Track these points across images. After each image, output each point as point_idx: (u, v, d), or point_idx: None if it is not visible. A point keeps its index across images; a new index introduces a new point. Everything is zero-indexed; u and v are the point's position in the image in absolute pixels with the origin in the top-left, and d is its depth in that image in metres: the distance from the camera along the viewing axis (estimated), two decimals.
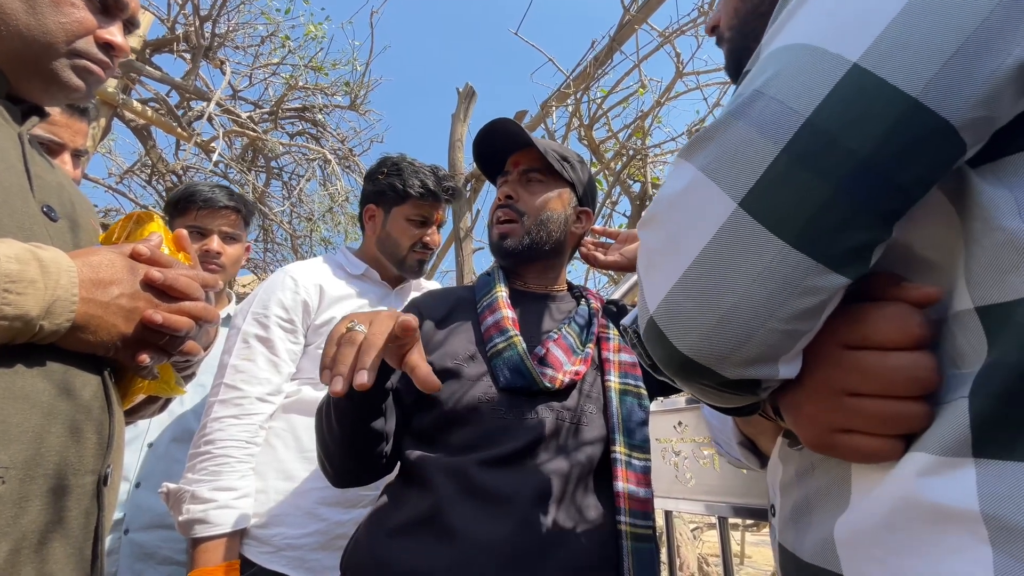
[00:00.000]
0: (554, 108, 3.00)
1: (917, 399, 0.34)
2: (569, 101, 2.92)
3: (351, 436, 0.75)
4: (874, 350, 0.35)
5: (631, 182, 3.33)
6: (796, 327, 0.34)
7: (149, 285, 0.59)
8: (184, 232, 0.74)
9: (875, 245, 0.33)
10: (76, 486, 0.53)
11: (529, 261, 0.98)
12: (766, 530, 7.87)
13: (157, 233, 0.70)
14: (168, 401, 0.80)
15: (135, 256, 0.60)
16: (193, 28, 3.35)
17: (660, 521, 1.06)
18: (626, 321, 0.52)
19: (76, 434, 0.54)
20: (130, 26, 0.71)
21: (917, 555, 0.31)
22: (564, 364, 0.85)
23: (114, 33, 0.67)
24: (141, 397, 0.69)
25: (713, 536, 6.76)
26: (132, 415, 0.74)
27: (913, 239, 0.37)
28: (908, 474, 0.32)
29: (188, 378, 0.76)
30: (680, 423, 1.15)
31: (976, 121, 0.31)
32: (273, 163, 4.43)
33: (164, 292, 0.60)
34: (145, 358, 0.58)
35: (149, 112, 3.46)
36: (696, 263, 0.35)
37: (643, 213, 0.43)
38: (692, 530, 5.08)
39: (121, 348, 0.57)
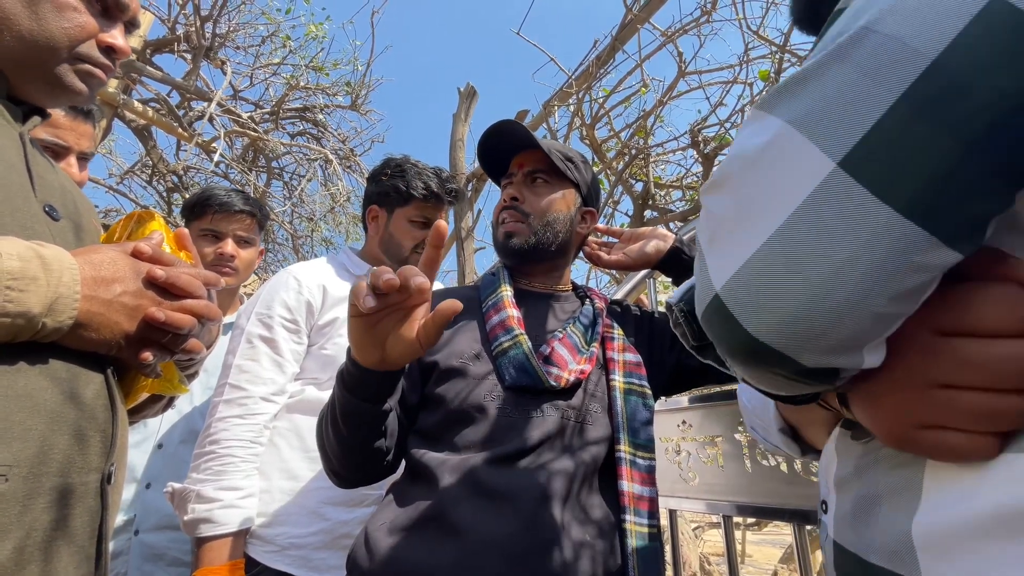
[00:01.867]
0: (556, 108, 2.99)
1: (1020, 392, 0.29)
2: (571, 100, 2.91)
3: (355, 439, 0.74)
4: (976, 337, 0.30)
5: (633, 181, 3.32)
6: (895, 310, 0.29)
7: (151, 283, 0.58)
8: (186, 231, 0.74)
9: (997, 215, 0.28)
10: (80, 485, 0.53)
11: (535, 261, 0.98)
12: (767, 529, 7.86)
13: (158, 232, 0.70)
14: (172, 400, 0.80)
15: (137, 254, 0.59)
16: (194, 28, 3.35)
17: (664, 520, 1.06)
18: (672, 298, 0.47)
19: (80, 433, 0.53)
20: (131, 27, 0.71)
21: (1017, 569, 0.27)
22: (569, 363, 0.85)
23: (116, 36, 0.67)
24: (144, 396, 0.69)
25: (714, 535, 6.75)
26: (136, 414, 0.73)
27: (1021, 207, 0.31)
28: (1016, 478, 0.28)
29: (191, 376, 0.76)
30: (684, 422, 1.14)
31: None
32: (274, 163, 4.43)
33: (166, 290, 0.60)
34: (148, 356, 0.58)
35: (150, 112, 3.46)
36: (780, 233, 0.30)
37: (710, 175, 0.38)
38: (694, 529, 5.08)
39: (124, 346, 0.57)
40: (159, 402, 0.77)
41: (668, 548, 1.13)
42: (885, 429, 0.35)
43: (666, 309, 0.51)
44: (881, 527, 0.35)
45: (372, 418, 0.73)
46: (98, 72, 0.66)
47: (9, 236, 0.50)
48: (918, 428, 0.32)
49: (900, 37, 0.28)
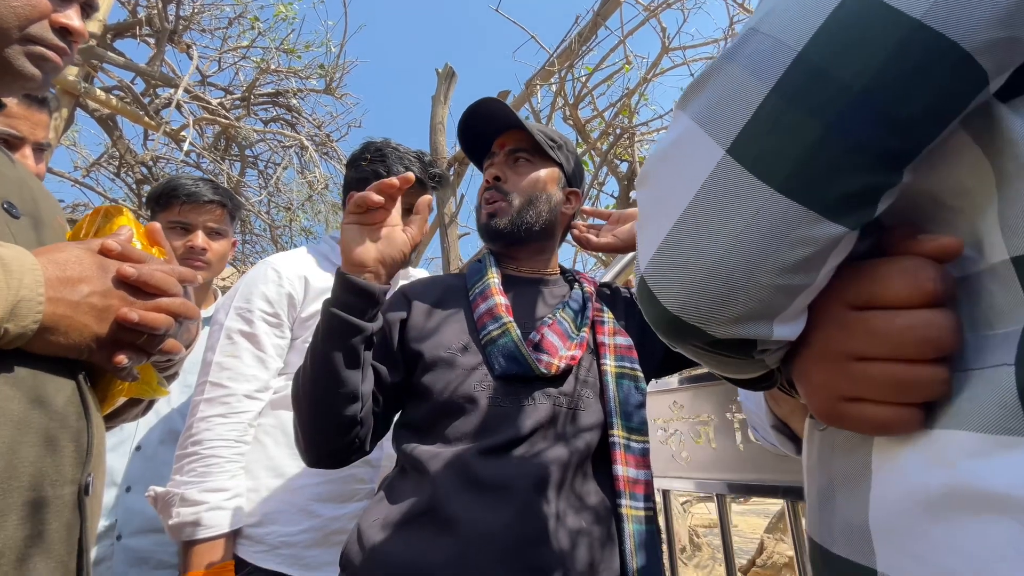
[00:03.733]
0: (538, 87, 2.94)
1: (932, 363, 0.31)
2: (553, 80, 2.87)
3: (325, 381, 0.73)
4: (882, 309, 0.32)
5: (618, 162, 3.30)
6: (789, 281, 0.31)
7: (122, 282, 0.55)
8: (158, 225, 0.70)
9: (880, 191, 0.30)
10: (55, 498, 0.50)
11: (520, 243, 0.96)
12: (753, 500, 8.09)
13: (127, 227, 0.66)
14: (152, 403, 0.77)
15: (105, 252, 0.56)
16: (156, 10, 3.20)
17: (658, 499, 1.06)
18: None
19: (51, 444, 0.50)
20: (88, 9, 0.66)
21: (964, 553, 0.27)
22: (559, 349, 0.84)
23: (71, 16, 0.62)
24: (122, 400, 0.66)
25: (701, 508, 6.93)
26: (114, 419, 0.71)
27: (936, 186, 0.34)
28: (952, 456, 0.29)
29: (171, 378, 0.73)
30: (675, 402, 1.15)
31: (995, 43, 0.27)
32: (248, 151, 4.31)
33: (139, 288, 0.57)
34: (123, 359, 0.55)
35: (113, 101, 3.32)
36: (683, 216, 0.33)
37: (639, 171, 0.42)
38: (682, 503, 5.20)
39: (96, 349, 0.54)
40: (138, 405, 0.74)
41: (662, 525, 1.15)
42: (815, 404, 0.36)
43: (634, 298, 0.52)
44: (838, 515, 0.36)
45: (353, 338, 0.73)
46: (52, 55, 0.61)
47: None
48: (841, 401, 0.34)
49: (774, 34, 0.32)
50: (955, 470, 0.28)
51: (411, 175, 0.74)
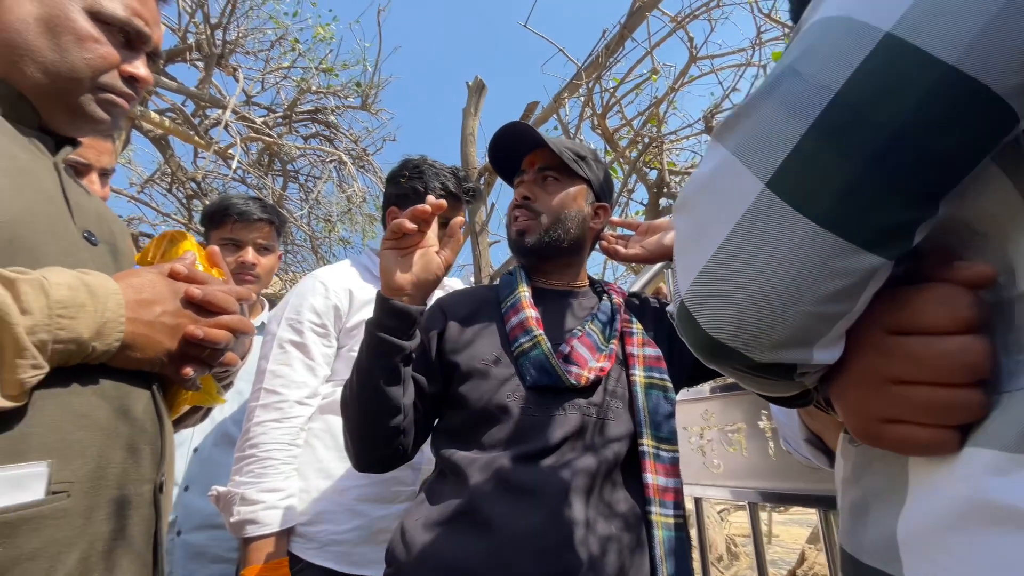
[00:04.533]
0: (567, 99, 2.97)
1: (969, 386, 0.32)
2: (581, 91, 2.89)
3: (370, 395, 0.79)
4: (921, 335, 0.33)
5: (647, 170, 3.29)
6: (829, 310, 0.32)
7: (189, 302, 0.61)
8: (217, 249, 0.77)
9: (916, 224, 0.31)
10: (135, 495, 0.56)
11: (549, 258, 0.99)
12: (793, 509, 7.81)
13: (191, 251, 0.72)
14: (210, 409, 0.83)
15: (173, 275, 0.62)
16: (204, 36, 3.39)
17: (689, 506, 1.07)
18: (670, 308, 0.52)
19: (133, 447, 0.57)
20: (154, 57, 0.72)
21: (985, 566, 0.28)
22: (589, 361, 0.86)
23: (138, 67, 0.68)
24: (186, 407, 0.73)
25: (740, 517, 6.74)
26: (178, 424, 0.77)
27: (967, 214, 0.35)
28: (975, 472, 0.30)
29: (227, 387, 0.79)
30: (707, 411, 1.15)
31: None
32: (289, 166, 4.49)
33: (203, 308, 0.62)
34: (189, 371, 0.61)
35: (166, 122, 3.53)
36: (724, 245, 0.34)
37: (678, 196, 0.44)
38: (719, 512, 5.07)
39: (167, 363, 0.60)
40: (199, 412, 0.80)
41: (694, 533, 1.15)
42: (854, 425, 0.37)
43: (669, 317, 0.54)
44: (871, 528, 0.37)
45: (394, 357, 0.78)
46: (120, 101, 0.67)
47: (55, 266, 0.53)
48: (880, 422, 0.35)
49: (812, 75, 0.33)
50: (979, 486, 0.30)
51: (443, 202, 0.79)
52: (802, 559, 4.12)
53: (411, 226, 0.78)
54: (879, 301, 0.34)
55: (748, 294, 0.33)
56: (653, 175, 3.26)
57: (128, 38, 0.67)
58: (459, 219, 0.87)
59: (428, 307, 1.00)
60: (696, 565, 0.85)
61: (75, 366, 0.53)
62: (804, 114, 0.32)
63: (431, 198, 0.82)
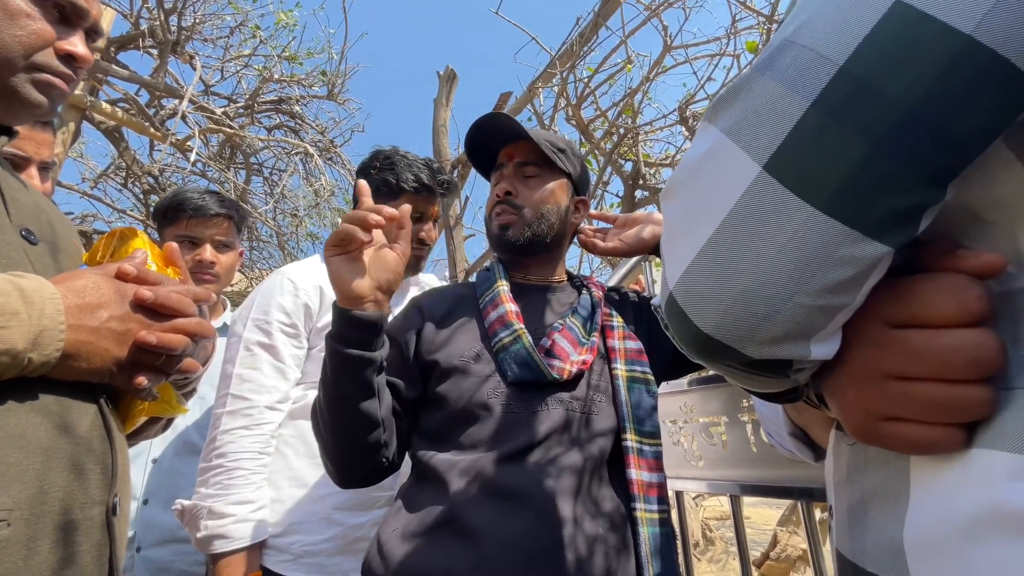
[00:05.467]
0: (540, 89, 2.93)
1: (976, 382, 0.30)
2: (555, 80, 2.86)
3: (344, 415, 0.74)
4: (924, 328, 0.31)
5: (622, 161, 3.29)
6: (829, 302, 0.30)
7: (139, 305, 0.56)
8: (174, 246, 0.71)
9: (923, 209, 0.29)
10: (84, 520, 0.51)
11: (530, 254, 0.96)
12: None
13: (142, 249, 0.67)
14: (171, 420, 0.78)
15: (121, 276, 0.57)
16: (158, 22, 3.22)
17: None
18: (656, 301, 0.50)
19: (78, 467, 0.52)
20: (93, 35, 0.66)
21: (1002, 575, 0.27)
22: (571, 354, 0.85)
23: (75, 43, 0.62)
24: (143, 419, 0.67)
25: (713, 501, 6.91)
26: (135, 437, 0.72)
27: (973, 201, 0.33)
28: (992, 477, 0.28)
29: (188, 395, 0.74)
30: (686, 404, 1.15)
31: None
32: (252, 159, 4.33)
33: (155, 311, 0.58)
34: (142, 380, 0.56)
35: (119, 113, 3.35)
36: (717, 233, 0.32)
37: (667, 182, 0.41)
38: (694, 498, 5.19)
39: (116, 373, 0.55)
40: (158, 423, 0.75)
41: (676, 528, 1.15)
42: (851, 423, 0.35)
43: (655, 311, 0.52)
44: (872, 532, 0.35)
45: (365, 371, 0.72)
46: (58, 82, 0.62)
47: None
48: (879, 420, 0.33)
49: (813, 47, 0.30)
50: (995, 491, 0.28)
51: (396, 212, 0.73)
52: (775, 541, 4.25)
53: (364, 236, 0.72)
54: (878, 292, 0.32)
55: (742, 286, 0.31)
56: (628, 167, 3.26)
57: (63, 13, 0.62)
58: (406, 207, 0.80)
59: (404, 306, 0.96)
60: (679, 559, 0.84)
61: (9, 380, 0.48)
62: (806, 89, 0.30)
63: (405, 207, 0.77)
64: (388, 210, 0.72)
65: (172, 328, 0.58)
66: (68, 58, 0.62)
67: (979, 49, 0.27)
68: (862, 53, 0.29)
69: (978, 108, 0.27)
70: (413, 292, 1.26)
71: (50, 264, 0.61)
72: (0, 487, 0.45)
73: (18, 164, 0.95)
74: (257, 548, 0.97)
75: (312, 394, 1.10)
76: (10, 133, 0.64)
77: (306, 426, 1.08)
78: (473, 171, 3.35)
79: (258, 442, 1.02)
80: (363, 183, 0.78)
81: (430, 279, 1.42)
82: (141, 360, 0.56)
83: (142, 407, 0.65)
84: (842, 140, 0.29)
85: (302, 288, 1.12)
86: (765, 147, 0.31)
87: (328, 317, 1.12)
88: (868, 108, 0.28)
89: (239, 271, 4.92)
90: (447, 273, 3.31)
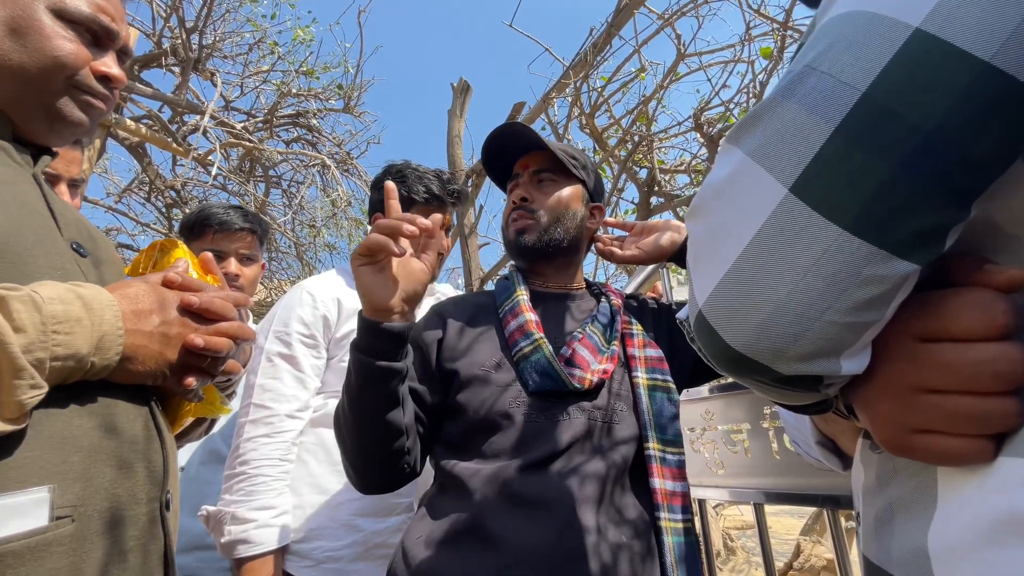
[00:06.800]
0: (554, 98, 2.96)
1: (1004, 395, 0.31)
2: (568, 90, 2.89)
3: (369, 424, 0.74)
4: (953, 342, 0.32)
5: (637, 169, 3.30)
6: (859, 319, 0.31)
7: (186, 310, 0.59)
8: (210, 255, 0.74)
9: (948, 227, 0.30)
10: (142, 516, 0.54)
11: (547, 259, 0.97)
12: None
13: (183, 259, 0.70)
14: (214, 422, 0.80)
15: (168, 284, 0.60)
16: (180, 41, 3.32)
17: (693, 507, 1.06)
18: (681, 315, 0.51)
19: (132, 467, 0.54)
20: (124, 56, 0.69)
21: None
22: (591, 363, 0.85)
23: (110, 64, 0.65)
24: (189, 420, 0.70)
25: (733, 511, 6.79)
26: (181, 438, 0.74)
27: (997, 215, 0.34)
28: (1012, 484, 0.29)
29: (230, 396, 0.77)
30: (707, 411, 1.15)
31: None
32: (271, 172, 4.42)
33: (201, 315, 0.60)
34: (191, 381, 0.59)
35: (143, 130, 3.45)
36: (745, 254, 0.33)
37: (692, 202, 0.42)
38: (715, 507, 5.11)
39: (168, 375, 0.58)
40: (202, 424, 0.78)
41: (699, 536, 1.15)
42: (882, 435, 0.36)
43: (680, 324, 0.53)
44: (898, 538, 0.36)
45: (392, 381, 0.73)
46: (97, 102, 0.65)
47: (46, 280, 0.50)
48: (911, 433, 0.34)
49: (835, 73, 0.31)
50: (1013, 497, 0.29)
51: (428, 222, 0.71)
52: (798, 551, 4.17)
53: (396, 250, 0.70)
54: (906, 307, 0.33)
55: (773, 305, 0.32)
56: (643, 174, 3.27)
57: (96, 36, 0.64)
58: (438, 216, 0.80)
59: (425, 314, 0.98)
60: (704, 568, 0.84)
61: (70, 385, 0.50)
62: (829, 115, 0.31)
63: (436, 216, 0.75)
64: (421, 220, 0.71)
65: (217, 331, 0.61)
66: (103, 79, 0.65)
67: (998, 75, 0.28)
68: (883, 80, 0.30)
69: (997, 131, 0.29)
70: (428, 302, 1.28)
71: (97, 275, 0.64)
72: (64, 486, 0.47)
73: (49, 181, 0.99)
74: (279, 553, 0.99)
75: (332, 403, 1.12)
76: (52, 153, 0.67)
77: (327, 434, 1.10)
78: (487, 181, 3.39)
79: (279, 449, 1.04)
80: (391, 184, 0.76)
81: (445, 288, 1.44)
82: (189, 362, 0.59)
83: (189, 408, 0.67)
84: (866, 164, 0.30)
85: (320, 300, 1.15)
86: (791, 170, 0.32)
87: (346, 327, 1.15)
88: (890, 133, 0.29)
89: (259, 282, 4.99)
90: (461, 281, 3.34)
